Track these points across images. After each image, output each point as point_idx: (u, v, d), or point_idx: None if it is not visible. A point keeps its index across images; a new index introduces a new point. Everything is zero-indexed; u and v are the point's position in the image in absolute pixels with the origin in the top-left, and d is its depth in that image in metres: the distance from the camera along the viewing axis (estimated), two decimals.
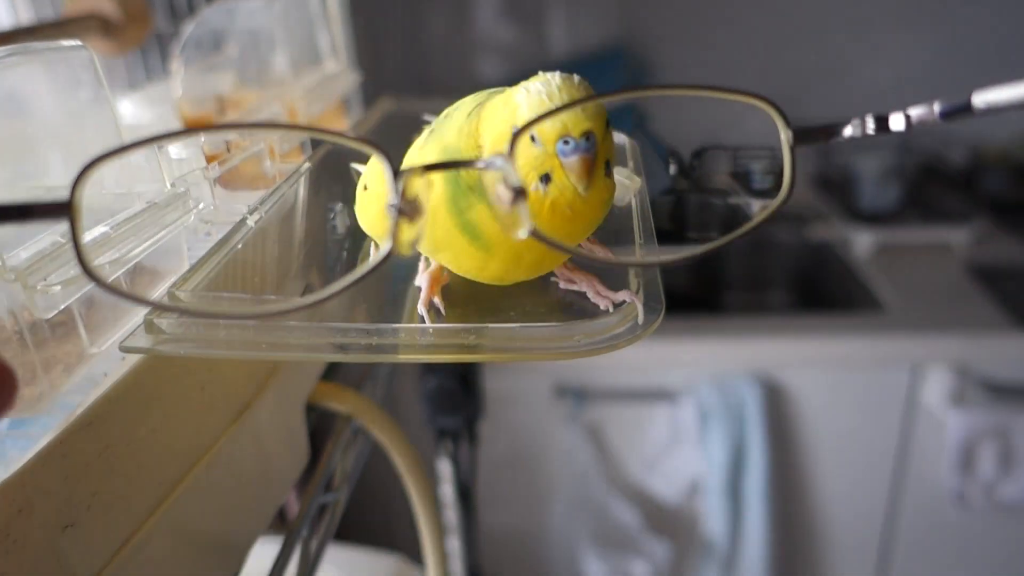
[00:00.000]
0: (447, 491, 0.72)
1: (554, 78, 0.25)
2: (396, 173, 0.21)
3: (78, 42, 0.28)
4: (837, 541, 1.29)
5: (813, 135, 0.21)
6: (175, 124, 0.45)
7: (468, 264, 0.28)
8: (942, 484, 1.21)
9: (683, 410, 1.19)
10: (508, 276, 0.28)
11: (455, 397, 0.70)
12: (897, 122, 0.20)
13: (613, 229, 0.31)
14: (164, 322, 0.23)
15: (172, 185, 0.32)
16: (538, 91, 0.25)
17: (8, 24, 0.49)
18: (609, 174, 0.27)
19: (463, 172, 0.26)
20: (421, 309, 0.28)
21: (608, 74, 1.53)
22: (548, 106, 0.25)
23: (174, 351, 0.22)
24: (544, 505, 1.29)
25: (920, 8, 1.53)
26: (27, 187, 0.27)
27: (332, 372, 0.47)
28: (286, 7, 0.45)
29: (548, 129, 0.25)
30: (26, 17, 0.57)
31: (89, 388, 0.23)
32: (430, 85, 1.62)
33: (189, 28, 0.45)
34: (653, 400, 1.20)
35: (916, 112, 0.20)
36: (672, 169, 0.38)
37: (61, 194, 0.18)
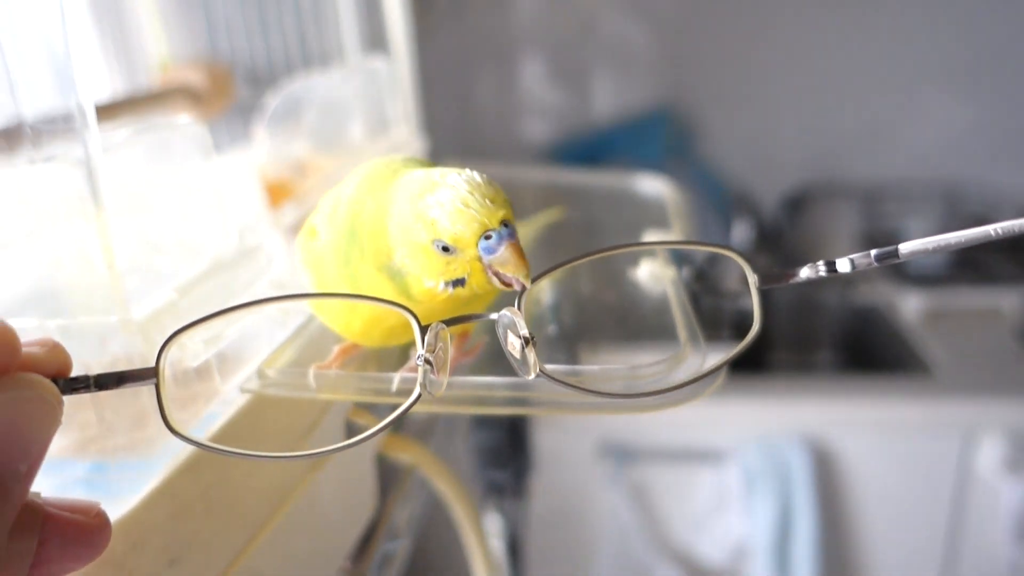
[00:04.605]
0: (496, 545, 0.73)
1: (459, 183, 0.25)
2: (423, 328, 0.22)
3: (191, 120, 0.31)
4: None
5: (775, 278, 0.25)
6: (257, 188, 0.48)
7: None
8: (998, 554, 1.17)
9: (728, 472, 1.18)
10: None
11: (504, 452, 0.71)
12: (844, 265, 0.25)
13: (657, 322, 0.32)
14: (271, 371, 0.26)
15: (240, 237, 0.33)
16: (451, 199, 0.24)
17: (107, 94, 0.54)
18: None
19: (367, 240, 0.27)
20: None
21: (652, 136, 1.56)
22: (466, 212, 0.24)
23: (277, 392, 0.26)
24: (587, 564, 1.28)
25: (962, 70, 1.54)
26: (145, 244, 0.30)
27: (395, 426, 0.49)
28: (363, 81, 0.49)
29: (465, 232, 0.24)
30: (120, 87, 0.62)
31: (217, 417, 0.28)
32: (479, 146, 1.67)
33: (274, 101, 0.48)
34: (698, 461, 1.19)
35: (857, 257, 0.25)
36: (686, 271, 0.40)
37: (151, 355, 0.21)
